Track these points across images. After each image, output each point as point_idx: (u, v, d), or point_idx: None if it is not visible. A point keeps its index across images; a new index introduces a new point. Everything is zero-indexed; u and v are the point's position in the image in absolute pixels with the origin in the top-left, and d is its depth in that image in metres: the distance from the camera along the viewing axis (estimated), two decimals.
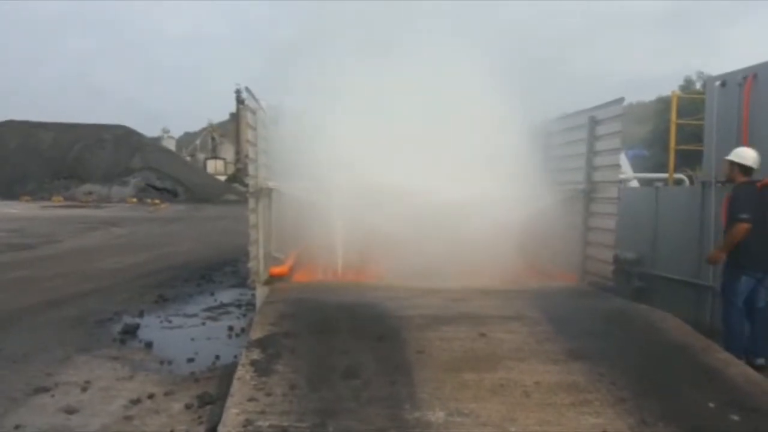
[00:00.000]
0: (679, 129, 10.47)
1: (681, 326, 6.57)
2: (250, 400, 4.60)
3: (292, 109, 10.47)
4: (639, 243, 10.02)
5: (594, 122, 9.05)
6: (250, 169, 8.44)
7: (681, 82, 38.33)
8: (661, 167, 17.11)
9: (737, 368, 5.43)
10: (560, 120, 10.04)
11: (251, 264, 8.38)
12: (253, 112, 8.48)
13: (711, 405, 4.70)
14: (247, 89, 8.41)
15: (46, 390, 6.14)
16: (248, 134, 8.44)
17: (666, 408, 4.61)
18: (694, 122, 10.40)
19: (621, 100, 8.52)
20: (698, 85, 32.05)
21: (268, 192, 8.73)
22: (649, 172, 16.80)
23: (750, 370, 5.38)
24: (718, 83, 8.46)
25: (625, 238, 9.22)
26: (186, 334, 8.61)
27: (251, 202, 8.36)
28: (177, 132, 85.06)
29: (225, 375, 6.54)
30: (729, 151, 8.09)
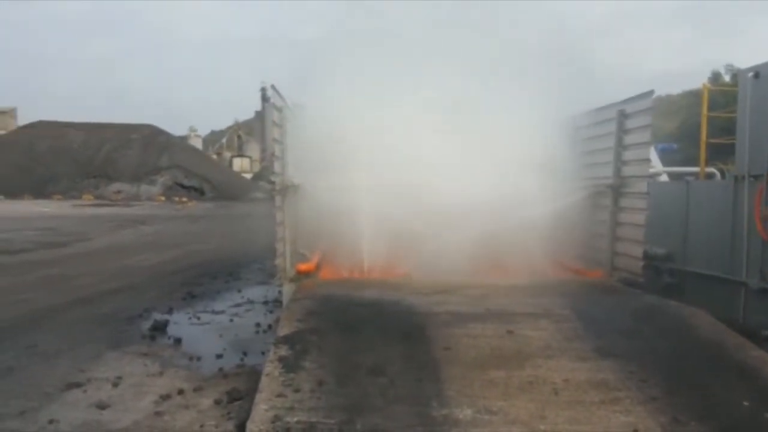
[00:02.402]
0: (710, 122, 10.29)
1: (713, 323, 6.45)
2: (279, 396, 4.63)
3: (318, 107, 10.50)
4: (669, 238, 9.87)
5: (623, 116, 8.92)
6: (276, 166, 8.48)
7: (709, 74, 37.68)
8: (690, 161, 16.84)
9: None
10: (589, 114, 9.91)
11: (278, 261, 8.42)
12: (279, 110, 8.51)
13: (745, 404, 4.62)
14: (273, 87, 8.45)
15: (78, 385, 6.25)
16: (274, 132, 8.46)
17: (699, 406, 4.54)
18: (726, 115, 10.20)
19: (650, 93, 8.39)
20: (727, 78, 31.42)
21: (294, 189, 8.75)
22: (678, 166, 16.56)
23: None
24: (751, 74, 8.29)
25: (654, 234, 9.09)
26: (214, 330, 8.68)
27: (278, 200, 8.40)
28: (203, 130, 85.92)
29: (253, 371, 6.61)
30: (763, 143, 7.96)
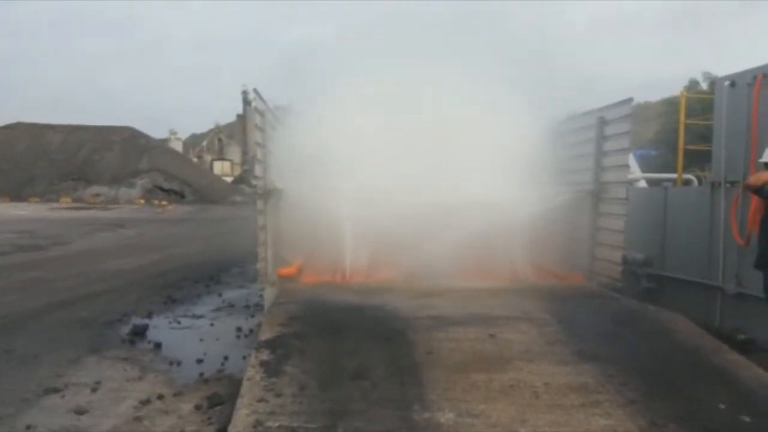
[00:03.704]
0: (687, 129, 10.45)
1: (691, 327, 6.55)
2: (260, 401, 4.62)
3: (299, 110, 10.52)
4: (647, 244, 9.99)
5: (602, 122, 9.04)
6: (258, 170, 8.45)
7: (686, 83, 38.16)
8: (668, 167, 17.09)
9: (749, 370, 5.40)
10: (568, 120, 10.03)
11: (260, 265, 8.39)
12: (261, 114, 8.49)
13: (722, 406, 4.68)
14: (256, 90, 8.42)
15: (56, 391, 6.18)
16: (257, 135, 8.44)
17: (676, 409, 4.59)
18: (703, 122, 10.36)
19: (630, 100, 8.51)
20: (704, 86, 31.89)
21: (276, 193, 8.74)
22: (655, 172, 16.76)
23: (762, 372, 5.35)
24: (727, 83, 8.44)
25: (633, 239, 9.20)
26: (195, 335, 8.62)
27: (259, 204, 8.37)
28: (184, 134, 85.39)
29: (234, 376, 6.58)
30: (739, 150, 8.11)
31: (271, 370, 5.15)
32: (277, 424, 4.28)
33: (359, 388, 4.87)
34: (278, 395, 4.71)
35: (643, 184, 13.82)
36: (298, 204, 9.01)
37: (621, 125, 8.66)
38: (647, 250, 10.04)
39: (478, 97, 9.22)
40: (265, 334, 5.97)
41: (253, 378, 5.00)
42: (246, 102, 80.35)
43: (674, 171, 15.09)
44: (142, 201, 49.40)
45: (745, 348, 7.13)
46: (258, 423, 4.28)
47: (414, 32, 10.72)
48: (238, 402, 4.61)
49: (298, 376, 5.07)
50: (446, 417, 4.41)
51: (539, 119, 9.64)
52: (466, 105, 9.23)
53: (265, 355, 5.44)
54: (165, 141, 70.43)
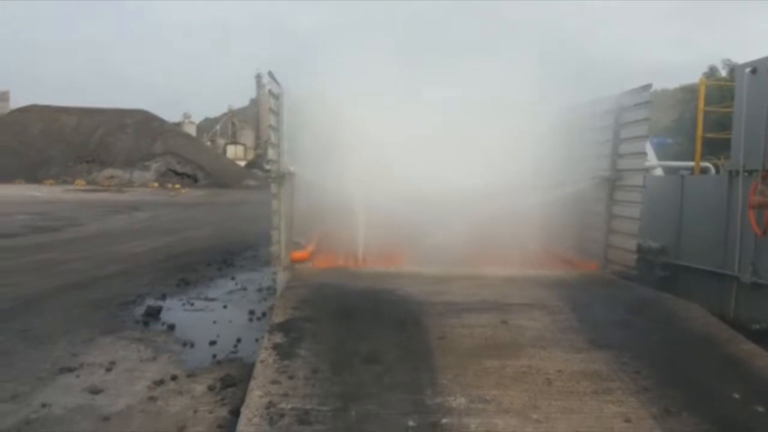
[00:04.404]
0: (705, 117, 10.28)
1: (705, 316, 6.50)
2: (273, 382, 4.64)
3: (313, 95, 10.47)
4: (663, 232, 9.89)
5: (620, 109, 8.92)
6: (272, 154, 8.44)
7: (705, 69, 37.62)
8: (685, 156, 16.87)
9: (763, 360, 5.36)
10: (585, 106, 9.90)
11: (273, 249, 8.40)
12: (276, 97, 8.46)
13: (736, 396, 4.65)
14: (270, 74, 8.38)
15: (71, 370, 6.25)
16: (270, 119, 8.42)
17: (690, 398, 4.57)
18: (723, 110, 10.19)
19: (649, 86, 8.39)
20: (723, 73, 31.37)
21: (290, 177, 8.74)
22: (672, 160, 16.56)
23: None
24: (748, 70, 8.28)
25: (648, 227, 9.12)
26: (208, 317, 8.68)
27: (273, 187, 8.37)
28: (197, 117, 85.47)
29: (247, 358, 6.63)
30: (759, 138, 7.98)
31: (284, 352, 5.17)
32: (289, 406, 4.30)
33: (372, 372, 4.88)
34: (291, 377, 4.73)
35: (659, 172, 13.65)
36: (312, 188, 9.01)
37: (639, 112, 8.53)
38: (662, 239, 9.94)
39: (493, 82, 9.14)
40: (278, 317, 5.99)
41: (266, 360, 5.02)
42: (259, 86, 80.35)
43: (691, 159, 14.94)
44: (156, 184, 49.68)
45: (761, 337, 7.06)
46: (271, 404, 4.30)
47: (428, 17, 10.64)
48: (252, 383, 4.63)
49: (310, 359, 5.08)
50: (458, 402, 4.42)
51: (555, 105, 9.54)
52: (480, 91, 9.15)
53: (278, 338, 5.45)
54: (179, 124, 70.53)
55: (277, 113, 8.45)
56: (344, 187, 8.71)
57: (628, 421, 4.23)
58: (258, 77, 79.91)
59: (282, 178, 8.50)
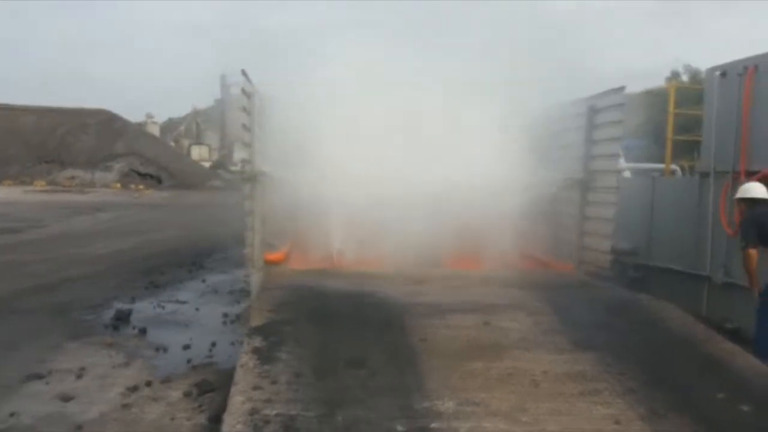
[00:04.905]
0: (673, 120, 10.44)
1: (683, 317, 6.58)
2: (255, 388, 4.50)
3: (283, 94, 10.32)
4: (634, 233, 10.00)
5: (593, 111, 8.99)
6: (245, 154, 8.27)
7: (667, 74, 38.40)
8: (650, 158, 17.14)
9: (743, 359, 5.42)
10: (558, 108, 9.95)
11: (246, 250, 8.23)
12: (249, 96, 8.30)
13: (720, 396, 4.67)
14: (243, 72, 8.21)
15: (39, 377, 6.01)
16: (243, 118, 8.26)
17: (676, 399, 4.58)
18: (694, 112, 10.34)
19: (622, 89, 8.47)
20: (685, 78, 32.10)
21: (262, 177, 8.57)
22: (637, 162, 16.78)
23: (756, 362, 5.37)
24: (718, 73, 8.43)
25: (619, 229, 9.18)
26: (180, 320, 8.47)
27: (246, 188, 8.19)
28: (161, 117, 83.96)
29: (223, 362, 6.48)
30: (729, 141, 8.13)
31: (264, 356, 5.04)
32: (274, 412, 4.17)
33: (356, 375, 4.78)
34: (273, 382, 4.60)
35: (627, 174, 13.83)
36: (285, 189, 8.87)
37: (612, 114, 8.61)
38: (634, 240, 10.06)
39: (466, 83, 9.14)
40: (256, 321, 5.85)
41: (246, 365, 4.89)
42: (224, 86, 79.36)
43: (656, 161, 15.20)
44: (119, 185, 48.57)
45: (733, 336, 7.16)
46: (254, 410, 4.17)
47: (400, 13, 10.61)
48: (233, 389, 4.49)
49: (292, 363, 4.96)
50: (446, 405, 4.35)
51: (528, 107, 9.57)
52: (454, 91, 9.14)
53: (257, 342, 5.32)
54: (141, 125, 69.17)
55: (249, 112, 8.28)
56: (318, 188, 8.60)
57: (617, 423, 4.20)
58: (223, 77, 78.78)
59: (255, 178, 8.34)
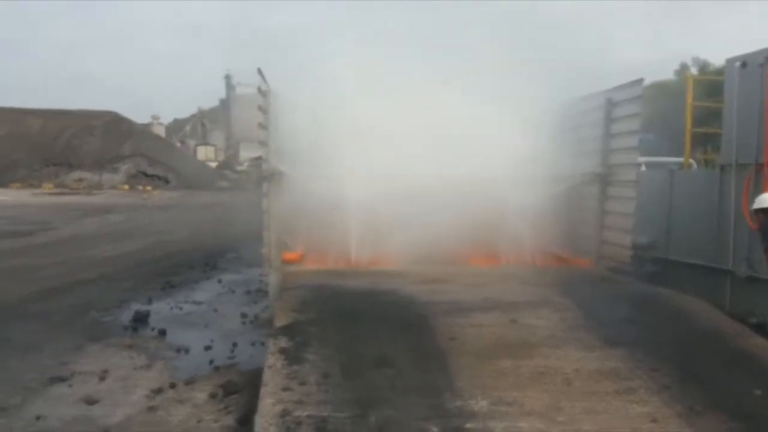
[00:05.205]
0: (683, 113, 10.31)
1: (710, 311, 6.50)
2: (285, 389, 4.45)
3: (293, 94, 10.25)
4: (652, 227, 9.89)
5: (611, 104, 8.89)
6: (262, 153, 8.23)
7: (676, 67, 38.19)
8: (660, 151, 17.00)
9: None
10: (576, 102, 9.86)
11: (264, 250, 8.18)
12: (265, 95, 8.24)
13: (757, 392, 4.59)
14: (259, 71, 8.15)
15: (62, 379, 5.98)
16: (260, 117, 8.21)
17: (712, 395, 4.50)
18: (709, 105, 10.21)
19: (640, 81, 8.38)
20: (694, 70, 31.91)
21: (279, 177, 8.52)
22: (648, 156, 16.65)
23: None
24: (738, 64, 8.30)
25: (637, 223, 9.08)
26: (198, 321, 8.44)
27: (264, 187, 8.15)
28: (166, 118, 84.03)
29: (245, 363, 6.43)
30: (751, 132, 8.02)
31: (291, 357, 4.98)
32: (305, 413, 4.11)
33: (385, 375, 4.72)
34: (302, 383, 4.54)
35: (642, 168, 13.71)
36: (301, 188, 8.81)
37: (630, 107, 8.52)
38: (652, 234, 9.94)
39: (485, 78, 9.05)
40: (281, 321, 5.80)
41: (274, 366, 4.83)
42: (229, 86, 79.49)
43: (665, 155, 15.08)
44: (126, 186, 48.65)
45: (758, 331, 7.06)
46: (285, 412, 4.11)
47: (415, 11, 10.51)
48: (262, 390, 4.44)
49: (320, 363, 4.90)
50: (479, 405, 4.28)
51: (546, 101, 9.47)
52: (471, 87, 9.05)
53: (283, 342, 5.26)
54: (147, 126, 69.26)
55: (265, 111, 8.23)
56: (334, 187, 8.53)
57: (654, 421, 4.12)
58: (227, 78, 79.11)
59: (272, 176, 8.29)
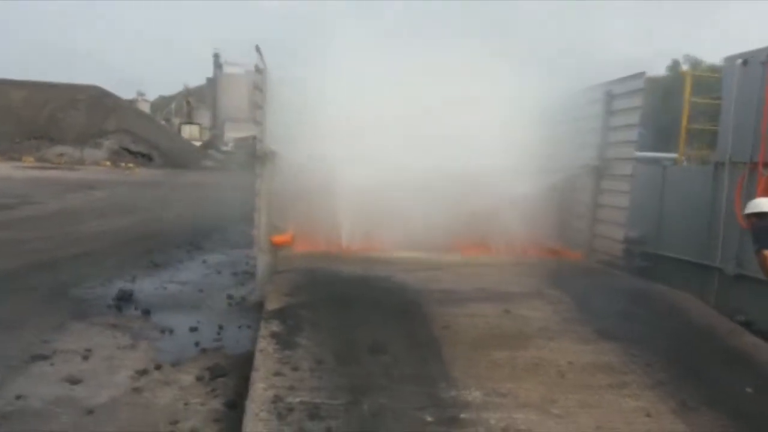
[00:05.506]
0: (672, 109, 10.33)
1: (702, 307, 6.50)
2: (277, 374, 4.36)
3: (293, 74, 10.09)
4: (643, 222, 9.89)
5: (610, 97, 8.83)
6: (257, 132, 8.09)
7: (668, 63, 38.30)
8: (648, 147, 17.06)
9: (767, 353, 5.32)
10: (574, 94, 9.78)
11: (254, 232, 8.06)
12: (261, 73, 8.08)
13: (749, 390, 4.58)
14: (257, 48, 7.98)
15: (44, 358, 5.84)
16: (256, 96, 8.05)
17: (705, 392, 4.49)
18: (712, 101, 10.15)
19: (642, 74, 8.32)
20: (685, 68, 32.05)
21: (272, 157, 8.37)
22: (638, 151, 16.68)
23: None
24: (739, 62, 8.27)
25: (629, 217, 9.07)
26: (184, 302, 8.29)
27: (257, 167, 8.01)
28: (152, 95, 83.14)
29: (232, 346, 6.34)
30: (747, 131, 8.00)
31: (283, 341, 4.89)
32: (298, 400, 4.03)
33: (379, 362, 4.66)
34: (295, 369, 4.46)
35: None
36: (292, 169, 8.67)
37: (631, 100, 8.45)
38: (642, 229, 9.94)
39: (481, 68, 8.95)
40: (272, 304, 5.69)
41: (265, 350, 4.74)
42: (216, 65, 78.59)
43: (657, 151, 15.10)
44: (108, 163, 47.99)
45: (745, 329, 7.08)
46: (278, 398, 4.03)
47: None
48: (253, 375, 4.34)
49: (313, 349, 4.82)
50: (473, 395, 4.23)
51: (543, 93, 9.38)
52: (468, 76, 8.94)
53: (275, 326, 5.16)
54: (132, 102, 68.36)
55: (262, 90, 8.07)
56: (326, 169, 8.41)
57: (648, 416, 4.10)
58: (216, 56, 78.25)
59: (266, 157, 8.15)
